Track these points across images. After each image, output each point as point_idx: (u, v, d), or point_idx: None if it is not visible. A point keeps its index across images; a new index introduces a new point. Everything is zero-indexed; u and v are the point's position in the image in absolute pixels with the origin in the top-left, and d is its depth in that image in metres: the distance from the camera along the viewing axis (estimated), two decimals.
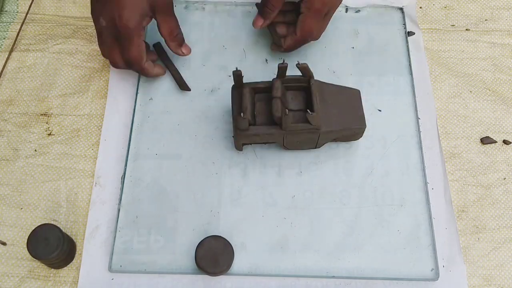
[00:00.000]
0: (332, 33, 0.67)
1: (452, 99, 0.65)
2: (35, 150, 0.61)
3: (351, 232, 0.56)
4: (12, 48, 0.67)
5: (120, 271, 0.54)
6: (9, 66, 0.66)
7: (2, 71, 0.66)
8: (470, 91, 0.65)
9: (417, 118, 0.62)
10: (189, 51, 0.63)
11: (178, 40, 0.61)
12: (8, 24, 0.70)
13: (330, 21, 0.62)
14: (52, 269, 0.55)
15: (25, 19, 0.69)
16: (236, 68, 0.54)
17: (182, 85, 0.64)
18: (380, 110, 0.63)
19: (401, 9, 0.70)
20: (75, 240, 0.56)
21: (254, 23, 0.62)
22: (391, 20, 0.69)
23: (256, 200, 0.58)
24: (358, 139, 0.60)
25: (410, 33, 0.68)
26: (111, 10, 0.56)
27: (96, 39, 0.69)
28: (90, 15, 0.72)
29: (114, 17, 0.56)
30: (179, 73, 0.65)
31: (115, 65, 0.60)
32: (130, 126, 0.62)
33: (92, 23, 0.70)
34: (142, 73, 0.61)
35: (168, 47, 0.62)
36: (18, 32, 0.68)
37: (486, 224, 0.57)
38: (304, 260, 0.55)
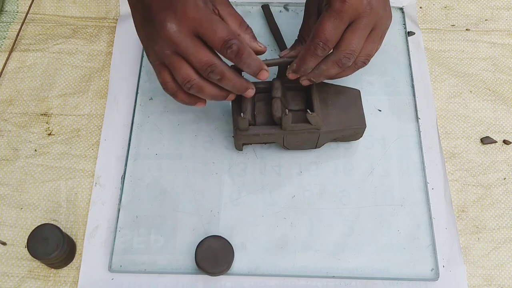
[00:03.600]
0: None
1: (452, 99, 0.65)
2: (35, 150, 0.61)
3: (351, 232, 0.56)
4: (12, 48, 0.67)
5: (120, 271, 0.54)
6: (9, 66, 0.66)
7: (2, 71, 0.66)
8: (470, 91, 0.65)
9: (417, 118, 0.62)
10: (265, 49, 0.52)
11: (251, 32, 0.51)
12: (8, 24, 0.70)
13: None
14: (52, 269, 0.55)
15: (25, 18, 0.69)
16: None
17: (284, 50, 0.61)
18: (380, 110, 0.63)
19: (401, 9, 0.70)
20: (75, 240, 0.56)
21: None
22: (391, 20, 0.69)
23: (256, 200, 0.58)
24: (358, 139, 0.60)
25: (410, 33, 0.68)
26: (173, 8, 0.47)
27: (94, 39, 0.69)
28: (91, 15, 0.72)
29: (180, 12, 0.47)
30: (282, 39, 0.65)
31: (204, 68, 0.48)
32: (130, 126, 0.62)
33: (92, 23, 0.70)
34: (247, 52, 0.48)
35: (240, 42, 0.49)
36: (18, 32, 0.68)
37: (486, 224, 0.57)
38: (304, 260, 0.55)
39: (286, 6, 0.70)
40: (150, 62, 0.52)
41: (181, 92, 0.51)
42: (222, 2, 0.51)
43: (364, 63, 0.53)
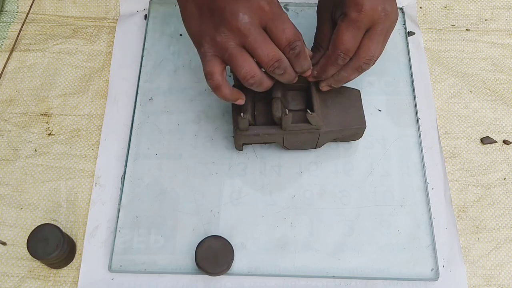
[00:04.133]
0: None
1: (452, 99, 0.65)
2: (35, 150, 0.61)
3: (351, 232, 0.56)
4: (13, 47, 0.67)
5: (120, 271, 0.54)
6: (9, 66, 0.66)
7: (2, 71, 0.66)
8: (470, 91, 0.65)
9: (417, 118, 0.62)
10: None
11: (295, 51, 0.49)
12: (8, 24, 0.70)
13: None
14: (52, 269, 0.55)
15: (25, 18, 0.69)
16: None
17: None
18: (380, 110, 0.63)
19: (401, 9, 0.70)
20: (75, 240, 0.56)
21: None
22: None
23: (256, 200, 0.58)
24: (358, 139, 0.60)
25: (410, 33, 0.68)
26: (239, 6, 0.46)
27: (94, 39, 0.69)
28: (91, 15, 0.72)
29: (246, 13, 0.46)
30: None
31: (253, 76, 0.49)
32: (130, 126, 0.62)
33: (92, 23, 0.70)
34: (305, 54, 0.50)
35: (302, 44, 0.50)
36: (19, 32, 0.68)
37: (486, 224, 0.57)
38: (304, 260, 0.55)
39: (286, 6, 0.70)
40: (200, 53, 0.50)
41: (226, 86, 0.50)
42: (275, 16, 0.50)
43: (372, 64, 0.54)
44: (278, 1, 0.49)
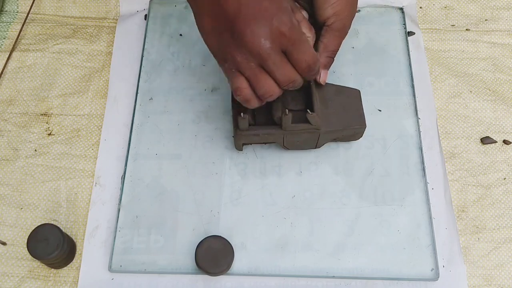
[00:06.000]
0: None
1: (452, 99, 0.65)
2: (35, 150, 0.61)
3: (351, 232, 0.56)
4: (13, 47, 0.67)
5: (120, 271, 0.54)
6: (9, 66, 0.66)
7: (2, 71, 0.66)
8: (470, 91, 0.65)
9: (417, 118, 0.62)
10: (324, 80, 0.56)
11: (313, 72, 0.51)
12: (8, 24, 0.70)
13: None
14: (52, 269, 0.55)
15: (26, 18, 0.69)
16: None
17: None
18: (380, 110, 0.63)
19: (401, 9, 0.70)
20: (75, 240, 0.56)
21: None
22: (391, 20, 0.69)
23: (256, 200, 0.58)
24: (358, 139, 0.60)
25: (410, 33, 0.68)
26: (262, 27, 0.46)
27: (94, 39, 0.69)
28: (91, 15, 0.72)
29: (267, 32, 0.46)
30: None
31: (272, 95, 0.50)
32: (130, 126, 0.62)
33: (92, 23, 0.70)
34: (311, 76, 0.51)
35: (319, 64, 0.52)
36: (19, 32, 0.68)
37: (486, 224, 0.57)
38: (304, 260, 0.55)
39: None
40: (224, 68, 0.51)
41: (255, 99, 0.51)
42: (301, 19, 0.52)
43: None
44: (298, 23, 0.50)
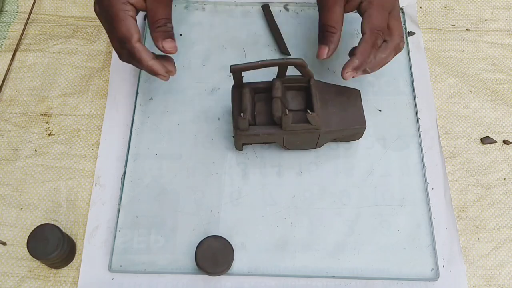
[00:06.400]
0: None
1: (452, 99, 0.65)
2: (35, 150, 0.61)
3: (351, 232, 0.56)
4: (16, 48, 0.67)
5: (120, 271, 0.54)
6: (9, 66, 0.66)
7: (7, 71, 0.65)
8: (470, 91, 0.65)
9: (417, 118, 0.62)
10: (173, 48, 0.55)
11: (160, 32, 0.54)
12: (8, 24, 0.70)
13: None
14: (52, 269, 0.55)
15: (28, 18, 0.69)
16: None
17: (284, 50, 0.66)
18: (380, 110, 0.63)
19: (401, 9, 0.70)
20: (75, 240, 0.56)
21: (319, 55, 0.56)
22: None
23: (256, 200, 0.58)
24: (358, 139, 0.60)
25: (410, 33, 0.68)
26: None
27: (94, 39, 0.69)
28: (91, 15, 0.72)
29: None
30: (282, 39, 0.67)
31: (118, 55, 0.56)
32: (130, 126, 0.62)
33: (92, 23, 0.71)
34: (137, 57, 0.54)
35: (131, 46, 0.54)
36: (22, 32, 0.68)
37: (486, 224, 0.57)
38: (304, 260, 0.55)
39: (286, 6, 0.70)
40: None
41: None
42: None
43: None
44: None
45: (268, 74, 0.57)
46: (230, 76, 0.56)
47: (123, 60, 0.56)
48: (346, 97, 0.58)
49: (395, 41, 0.56)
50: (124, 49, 0.54)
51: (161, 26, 0.55)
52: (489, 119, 0.63)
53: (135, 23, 0.54)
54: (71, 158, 0.61)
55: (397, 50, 0.56)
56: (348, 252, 0.55)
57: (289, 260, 0.55)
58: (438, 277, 0.54)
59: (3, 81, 0.65)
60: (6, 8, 0.71)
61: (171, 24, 0.56)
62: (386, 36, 0.55)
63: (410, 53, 0.67)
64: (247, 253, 0.55)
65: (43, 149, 0.61)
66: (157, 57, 0.55)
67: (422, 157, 0.60)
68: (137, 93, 0.64)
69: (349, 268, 0.54)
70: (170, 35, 0.55)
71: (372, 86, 0.64)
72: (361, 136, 0.60)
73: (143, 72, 0.65)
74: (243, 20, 0.70)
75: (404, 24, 0.69)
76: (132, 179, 0.59)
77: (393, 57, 0.57)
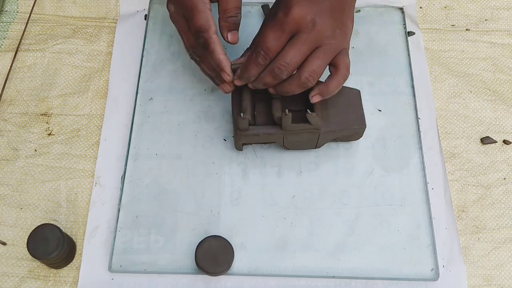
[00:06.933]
0: None
1: (452, 99, 0.65)
2: (35, 150, 0.61)
3: (351, 232, 0.56)
4: (17, 48, 0.67)
5: (120, 271, 0.54)
6: (9, 66, 0.66)
7: (9, 71, 0.65)
8: (470, 91, 0.65)
9: (417, 118, 0.62)
10: (236, 40, 0.56)
11: (229, 23, 0.55)
12: (8, 24, 0.70)
13: None
14: (52, 269, 0.55)
15: (29, 18, 0.69)
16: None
17: None
18: (380, 110, 0.63)
19: (401, 9, 0.70)
20: (75, 240, 0.56)
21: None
22: (391, 20, 0.69)
23: (256, 200, 0.58)
24: (358, 139, 0.60)
25: (410, 33, 0.68)
26: None
27: (94, 39, 0.69)
28: (91, 15, 0.72)
29: None
30: None
31: (190, 50, 0.56)
32: (130, 126, 0.62)
33: (92, 23, 0.70)
34: (211, 47, 0.53)
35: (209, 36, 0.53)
36: (23, 33, 0.68)
37: (486, 224, 0.57)
38: (304, 260, 0.55)
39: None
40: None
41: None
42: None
43: (309, 80, 0.52)
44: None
45: None
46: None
47: (193, 57, 0.56)
48: (346, 97, 0.58)
49: (271, 65, 0.52)
50: (200, 41, 0.53)
51: (232, 16, 0.55)
52: (489, 119, 0.63)
53: (213, 16, 0.53)
54: (71, 158, 0.61)
55: (273, 75, 0.52)
56: (348, 252, 0.55)
57: (289, 260, 0.55)
58: (438, 277, 0.54)
59: (5, 81, 0.65)
60: (6, 8, 0.71)
61: (241, 15, 0.56)
62: (273, 55, 0.52)
63: (410, 53, 0.67)
64: (247, 253, 0.55)
65: (43, 149, 0.61)
66: None
67: (422, 157, 0.60)
68: (137, 93, 0.64)
69: (349, 268, 0.54)
70: (236, 27, 0.56)
71: (372, 86, 0.64)
72: (361, 136, 0.60)
73: (143, 72, 0.65)
74: (243, 20, 0.69)
75: (404, 24, 0.69)
76: (132, 179, 0.59)
77: (271, 81, 0.53)
